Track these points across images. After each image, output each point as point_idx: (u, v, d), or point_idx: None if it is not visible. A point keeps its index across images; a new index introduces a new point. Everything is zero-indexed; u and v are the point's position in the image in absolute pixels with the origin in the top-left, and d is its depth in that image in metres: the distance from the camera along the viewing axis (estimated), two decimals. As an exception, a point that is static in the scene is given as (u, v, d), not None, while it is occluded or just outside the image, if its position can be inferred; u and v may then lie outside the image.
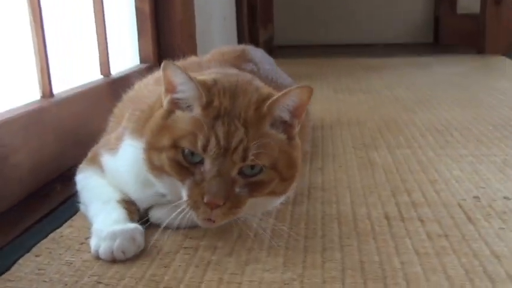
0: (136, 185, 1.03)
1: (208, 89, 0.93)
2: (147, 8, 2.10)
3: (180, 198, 0.93)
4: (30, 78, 1.37)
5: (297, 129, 0.99)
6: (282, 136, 0.96)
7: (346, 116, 1.96)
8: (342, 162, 1.43)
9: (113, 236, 0.92)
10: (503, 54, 3.68)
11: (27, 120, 1.24)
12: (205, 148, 0.89)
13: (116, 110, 1.26)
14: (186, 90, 0.93)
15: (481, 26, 3.85)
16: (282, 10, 4.99)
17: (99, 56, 1.77)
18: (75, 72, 1.66)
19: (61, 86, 1.48)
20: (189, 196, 0.91)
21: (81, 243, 0.98)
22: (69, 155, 1.41)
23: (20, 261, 0.92)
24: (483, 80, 2.73)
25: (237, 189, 0.91)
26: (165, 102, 0.96)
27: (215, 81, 0.96)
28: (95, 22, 1.73)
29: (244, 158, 0.90)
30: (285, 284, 0.84)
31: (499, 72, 3.00)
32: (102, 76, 1.77)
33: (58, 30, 1.49)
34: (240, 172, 0.91)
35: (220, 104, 0.92)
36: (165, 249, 0.96)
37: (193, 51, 2.31)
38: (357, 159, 1.45)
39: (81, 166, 1.17)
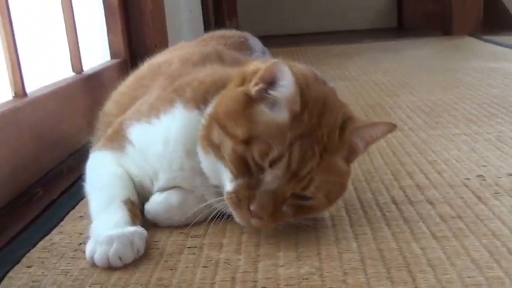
0: (177, 154, 0.95)
1: (303, 94, 0.85)
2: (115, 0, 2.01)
3: (219, 182, 0.90)
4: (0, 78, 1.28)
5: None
6: (345, 166, 0.90)
7: (329, 102, 1.91)
8: (336, 148, 1.38)
9: (110, 240, 0.84)
10: (470, 35, 3.69)
11: (3, 121, 1.15)
12: (273, 164, 0.83)
13: (124, 88, 1.22)
14: (284, 92, 0.84)
15: (447, 8, 3.85)
16: (245, 2, 4.92)
17: (70, 54, 1.68)
18: (46, 71, 1.57)
19: (32, 85, 1.39)
20: (236, 192, 0.85)
21: (75, 250, 0.90)
22: (48, 157, 1.33)
23: (11, 273, 0.84)
24: (456, 61, 2.72)
25: (284, 208, 0.87)
26: (255, 89, 0.86)
27: (307, 84, 0.88)
28: (64, 18, 1.64)
29: (305, 188, 0.85)
30: (303, 279, 0.78)
31: (470, 52, 3.00)
32: (74, 73, 1.69)
33: (25, 28, 1.40)
34: (293, 194, 0.86)
35: (309, 119, 0.85)
36: (167, 251, 0.89)
37: (164, 42, 2.23)
38: (350, 144, 1.41)
39: (99, 143, 1.07)
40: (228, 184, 0.87)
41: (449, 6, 3.82)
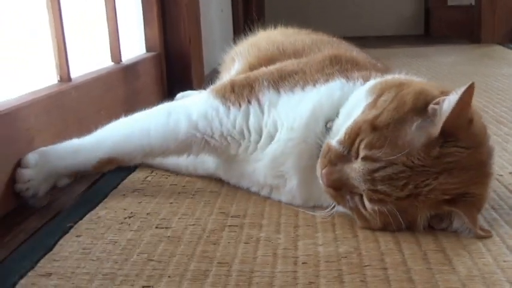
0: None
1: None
2: (152, -6, 2.05)
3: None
4: (44, 63, 1.33)
5: None
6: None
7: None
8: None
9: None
10: (499, 44, 3.68)
11: (49, 103, 1.20)
12: (366, 159, 0.86)
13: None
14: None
15: (476, 17, 3.85)
16: (273, 4, 4.97)
17: (110, 44, 1.73)
18: (86, 59, 1.62)
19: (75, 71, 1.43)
20: (329, 149, 0.91)
21: (121, 223, 0.95)
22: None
23: (61, 241, 0.88)
24: (486, 67, 2.73)
25: (347, 196, 0.90)
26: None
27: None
28: (106, 9, 1.69)
29: (370, 200, 0.86)
30: (343, 257, 0.81)
31: (499, 60, 3.00)
32: (112, 63, 1.73)
33: (71, 18, 1.45)
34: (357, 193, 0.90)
35: (433, 157, 0.84)
36: (209, 228, 0.92)
37: (198, 37, 2.27)
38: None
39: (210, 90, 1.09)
40: (333, 140, 0.90)
41: (478, 16, 3.82)
